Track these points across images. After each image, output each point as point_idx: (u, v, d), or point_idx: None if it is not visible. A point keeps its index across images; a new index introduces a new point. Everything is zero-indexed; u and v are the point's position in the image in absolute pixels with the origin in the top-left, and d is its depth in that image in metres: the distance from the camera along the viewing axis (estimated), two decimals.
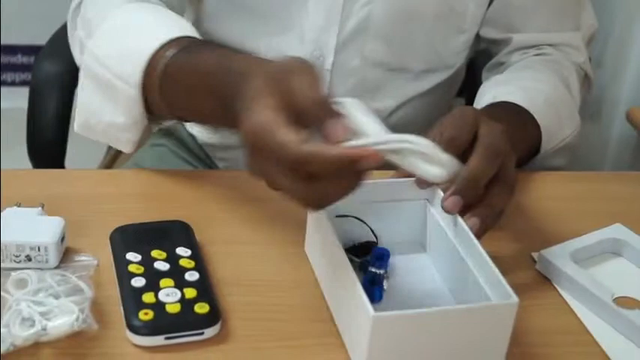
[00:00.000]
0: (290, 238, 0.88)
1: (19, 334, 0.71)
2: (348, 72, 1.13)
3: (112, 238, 0.84)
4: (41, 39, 1.34)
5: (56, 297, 0.75)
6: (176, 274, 0.78)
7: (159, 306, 0.75)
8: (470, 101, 1.28)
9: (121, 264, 0.80)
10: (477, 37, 1.19)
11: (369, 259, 0.83)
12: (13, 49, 2.53)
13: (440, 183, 0.75)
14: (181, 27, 0.93)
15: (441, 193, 0.82)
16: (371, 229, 0.85)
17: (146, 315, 0.74)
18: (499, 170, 0.82)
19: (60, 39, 1.23)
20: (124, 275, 0.78)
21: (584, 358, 0.78)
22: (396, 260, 0.85)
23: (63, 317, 0.72)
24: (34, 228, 0.81)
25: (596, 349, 0.79)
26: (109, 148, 1.47)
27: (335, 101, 0.72)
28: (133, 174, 1.01)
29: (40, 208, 0.85)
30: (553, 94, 1.09)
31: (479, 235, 0.79)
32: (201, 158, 1.28)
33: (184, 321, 0.74)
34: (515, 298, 0.71)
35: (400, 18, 1.11)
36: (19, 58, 2.56)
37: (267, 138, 0.69)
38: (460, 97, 1.40)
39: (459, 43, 1.17)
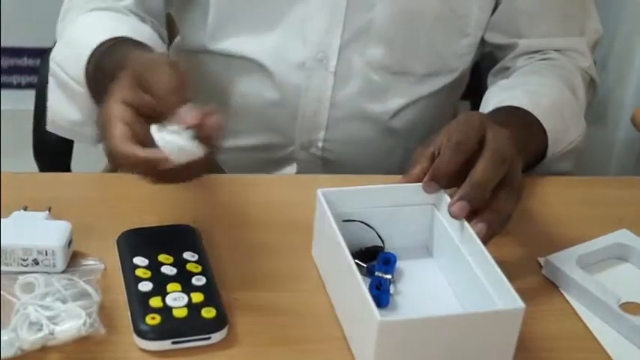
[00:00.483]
0: (297, 242, 0.88)
1: (27, 338, 0.71)
2: (351, 74, 1.14)
3: (118, 242, 0.84)
4: (47, 41, 1.34)
5: (63, 301, 0.75)
6: (183, 278, 0.78)
7: (166, 310, 0.75)
8: (475, 105, 1.28)
9: (128, 268, 0.80)
10: (482, 41, 1.20)
11: (375, 264, 0.83)
12: (19, 52, 2.53)
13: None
14: (118, 29, 1.00)
15: (448, 198, 0.82)
16: (378, 233, 0.85)
17: (153, 319, 0.74)
18: (506, 175, 0.82)
19: None
20: (131, 279, 0.78)
21: None
22: (403, 265, 0.85)
23: (70, 321, 0.73)
24: (41, 232, 0.81)
25: (602, 355, 0.79)
26: None
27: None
28: (139, 178, 1.01)
29: (46, 212, 0.85)
30: (559, 98, 1.09)
31: (485, 241, 0.79)
32: None
33: (191, 325, 0.74)
34: (521, 304, 0.71)
35: (402, 20, 1.11)
36: (25, 61, 2.55)
37: (104, 128, 0.78)
38: (465, 100, 1.40)
39: (462, 47, 1.17)
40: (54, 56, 1.06)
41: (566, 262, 0.86)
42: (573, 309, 0.83)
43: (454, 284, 0.83)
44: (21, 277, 0.78)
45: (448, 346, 0.71)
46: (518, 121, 1.01)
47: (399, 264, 0.84)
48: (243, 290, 0.81)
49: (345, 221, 0.83)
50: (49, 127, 1.08)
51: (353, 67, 1.13)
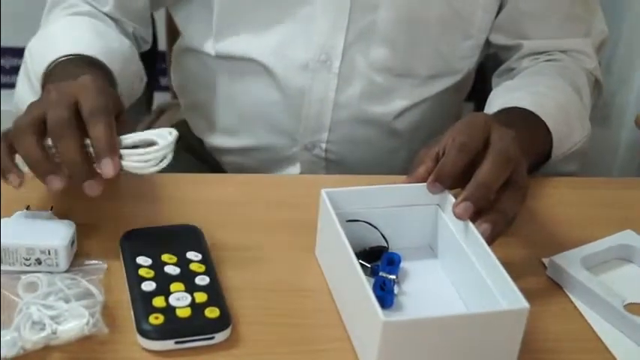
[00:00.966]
0: (300, 242, 0.88)
1: (29, 338, 0.71)
2: (354, 76, 1.14)
3: (122, 241, 0.84)
4: None
5: (66, 301, 0.75)
6: (186, 278, 0.78)
7: (169, 310, 0.75)
8: (479, 106, 1.28)
9: (131, 268, 0.80)
10: (487, 42, 1.19)
11: (379, 265, 0.83)
12: (19, 52, 2.53)
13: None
14: (89, 46, 1.02)
15: (452, 199, 0.82)
16: (382, 234, 0.85)
17: (156, 319, 0.74)
18: (510, 176, 0.82)
19: None
20: (134, 279, 0.78)
21: None
22: (407, 265, 0.85)
23: (73, 321, 0.72)
24: (44, 231, 0.81)
25: (606, 356, 0.78)
26: None
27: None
28: (142, 178, 1.01)
29: (49, 211, 0.85)
30: (564, 99, 1.09)
31: (490, 241, 0.79)
32: (209, 162, 1.28)
33: (195, 325, 0.74)
34: (525, 304, 0.71)
35: (406, 22, 1.11)
36: None
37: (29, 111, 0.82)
38: (469, 101, 1.40)
39: (466, 48, 1.17)
40: (30, 46, 1.09)
41: (570, 262, 0.86)
42: (578, 310, 0.83)
43: (458, 285, 0.83)
44: (24, 277, 0.78)
45: (452, 346, 0.71)
46: (523, 123, 1.01)
47: (404, 264, 0.84)
48: (247, 290, 0.81)
49: (349, 221, 0.83)
50: (14, 110, 1.06)
51: (356, 68, 1.13)
